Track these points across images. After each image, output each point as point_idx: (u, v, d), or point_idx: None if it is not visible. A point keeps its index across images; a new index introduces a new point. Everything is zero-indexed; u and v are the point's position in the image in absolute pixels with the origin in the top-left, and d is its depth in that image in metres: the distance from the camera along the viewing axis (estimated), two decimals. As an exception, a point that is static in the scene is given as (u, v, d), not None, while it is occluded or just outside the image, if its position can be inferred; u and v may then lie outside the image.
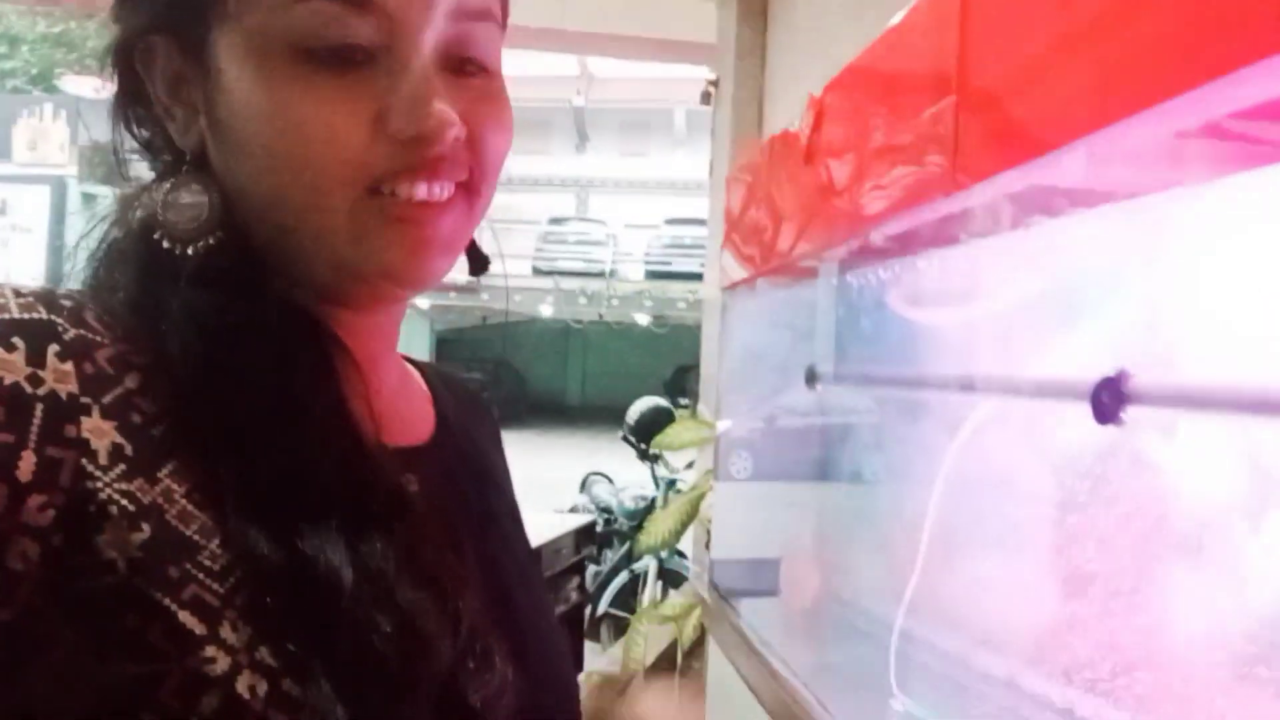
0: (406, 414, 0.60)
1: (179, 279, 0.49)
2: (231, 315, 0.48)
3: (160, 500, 0.42)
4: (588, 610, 4.53)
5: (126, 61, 0.52)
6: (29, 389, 0.41)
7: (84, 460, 0.41)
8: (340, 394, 0.50)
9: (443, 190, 0.50)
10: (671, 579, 4.72)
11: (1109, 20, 0.57)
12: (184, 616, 0.41)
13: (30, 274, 13.77)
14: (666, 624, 2.94)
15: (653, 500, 4.96)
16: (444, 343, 20.23)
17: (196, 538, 0.42)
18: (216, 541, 0.43)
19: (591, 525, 4.55)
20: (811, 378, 1.39)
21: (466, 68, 0.51)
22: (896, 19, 0.90)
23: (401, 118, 0.48)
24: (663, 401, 5.25)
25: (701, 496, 2.81)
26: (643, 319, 17.63)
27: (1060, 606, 0.91)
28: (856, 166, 0.96)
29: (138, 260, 0.51)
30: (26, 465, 0.40)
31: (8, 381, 0.41)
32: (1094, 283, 0.86)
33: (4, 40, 15.99)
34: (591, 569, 4.65)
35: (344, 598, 0.43)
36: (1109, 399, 0.75)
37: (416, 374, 0.67)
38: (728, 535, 1.91)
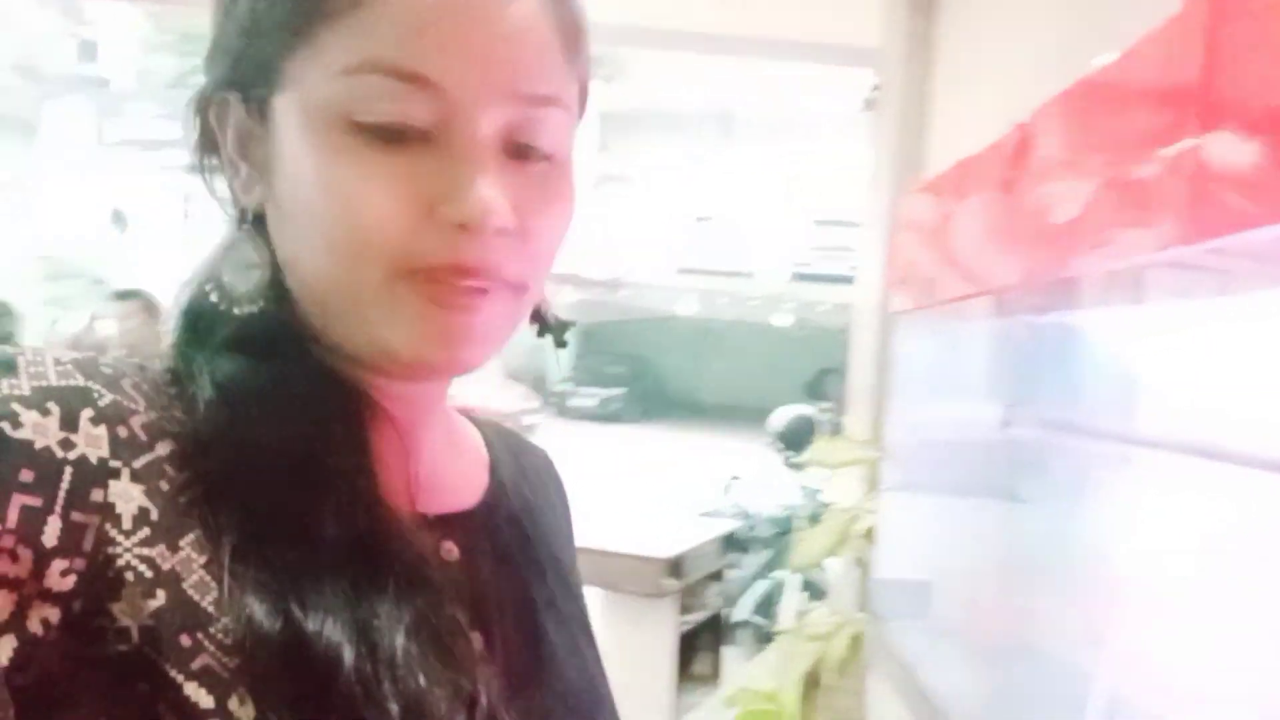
0: (453, 478, 0.59)
1: (220, 338, 0.49)
2: (261, 379, 0.48)
3: (179, 568, 0.42)
4: (727, 617, 4.51)
5: (204, 113, 0.52)
6: (60, 453, 0.41)
7: (108, 525, 0.41)
8: (362, 462, 0.49)
9: (479, 288, 0.48)
10: (813, 590, 4.65)
11: None
12: (191, 689, 0.40)
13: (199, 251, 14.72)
14: (813, 642, 2.89)
15: (796, 510, 4.90)
16: (585, 337, 20.56)
17: (211, 609, 0.42)
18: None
19: (733, 532, 4.53)
20: (1001, 415, 1.33)
21: (529, 154, 0.49)
22: (1107, 51, 0.85)
23: (448, 202, 0.46)
24: (807, 410, 5.18)
25: (855, 514, 2.74)
26: (782, 320, 17.44)
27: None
28: (1075, 199, 0.91)
29: (189, 315, 0.51)
30: (52, 531, 0.40)
31: (39, 445, 0.41)
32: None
33: (190, 39, 17.16)
34: (731, 574, 4.63)
35: (343, 674, 0.42)
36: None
37: (475, 435, 0.65)
38: (891, 557, 1.86)
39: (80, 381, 0.44)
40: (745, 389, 17.95)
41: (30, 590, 0.39)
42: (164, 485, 0.43)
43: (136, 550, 0.42)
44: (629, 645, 3.63)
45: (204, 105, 0.52)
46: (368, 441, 0.50)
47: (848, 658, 2.77)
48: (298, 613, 0.42)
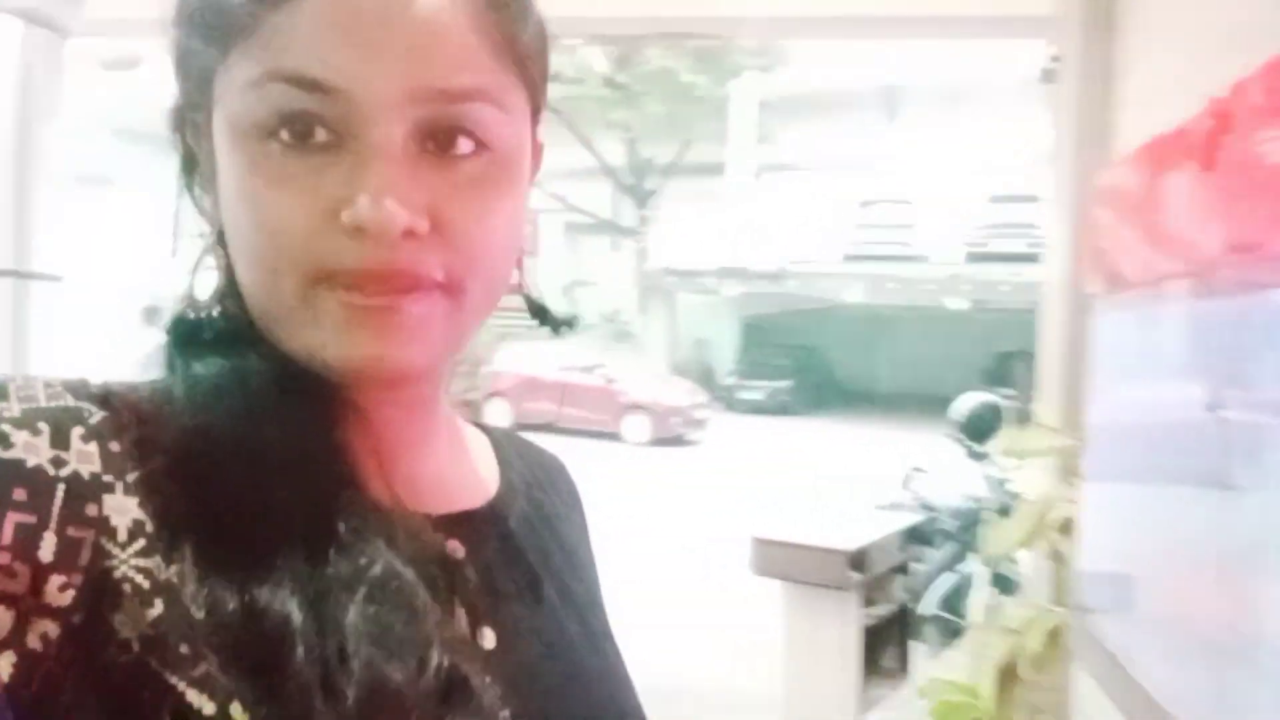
0: (458, 480, 0.59)
1: (192, 344, 0.51)
2: (225, 379, 0.49)
3: (175, 578, 0.43)
4: (913, 610, 4.42)
5: (181, 131, 0.53)
6: (52, 470, 0.42)
7: (103, 539, 0.42)
8: (320, 446, 0.48)
9: (398, 288, 0.47)
10: (1002, 584, 4.48)
11: None
12: (193, 695, 0.41)
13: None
14: (1008, 636, 2.80)
15: (982, 501, 4.73)
16: (750, 330, 20.50)
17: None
18: None
19: (917, 524, 4.42)
20: (1212, 398, 1.26)
21: (454, 149, 0.48)
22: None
23: (347, 205, 0.45)
24: (992, 397, 4.97)
25: (1049, 505, 2.64)
26: (957, 304, 16.79)
27: None
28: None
29: (171, 325, 0.53)
30: (48, 546, 0.40)
31: (31, 464, 0.41)
32: None
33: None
34: (916, 567, 4.53)
35: (291, 641, 0.42)
36: None
37: (482, 440, 0.65)
38: (1096, 549, 1.79)
39: (70, 401, 0.45)
40: (919, 377, 17.42)
41: (29, 606, 0.40)
42: (157, 497, 0.44)
43: (133, 562, 0.42)
44: (813, 638, 3.62)
45: (179, 125, 0.53)
46: (330, 431, 0.49)
47: (1045, 653, 2.67)
48: (253, 587, 0.43)
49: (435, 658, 0.45)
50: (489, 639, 0.52)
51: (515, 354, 15.09)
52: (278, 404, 0.48)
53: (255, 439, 0.47)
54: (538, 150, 0.57)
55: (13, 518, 0.40)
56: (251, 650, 0.42)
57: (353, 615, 0.44)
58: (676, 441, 13.86)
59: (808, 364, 19.31)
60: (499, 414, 14.64)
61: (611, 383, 14.36)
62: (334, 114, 0.46)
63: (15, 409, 0.43)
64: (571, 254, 20.27)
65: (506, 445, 0.66)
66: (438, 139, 0.48)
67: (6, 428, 0.42)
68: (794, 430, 15.85)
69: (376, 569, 0.45)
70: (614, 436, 13.93)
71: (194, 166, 0.53)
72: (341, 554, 0.45)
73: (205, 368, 0.49)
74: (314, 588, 0.44)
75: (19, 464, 0.41)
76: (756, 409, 17.73)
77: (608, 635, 0.64)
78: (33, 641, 0.40)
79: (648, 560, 7.04)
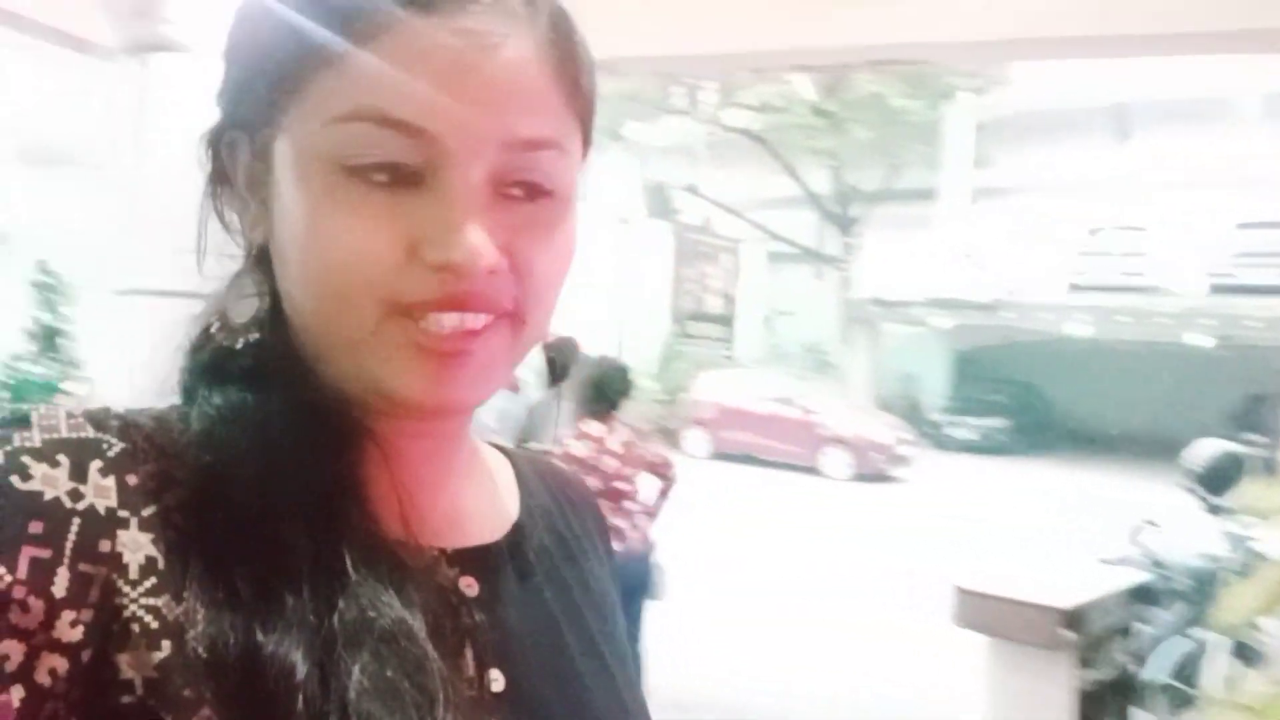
0: (475, 512, 0.58)
1: (219, 370, 0.50)
2: (250, 411, 0.49)
3: (183, 618, 0.42)
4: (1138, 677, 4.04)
5: (216, 149, 0.53)
6: (69, 504, 0.42)
7: (115, 576, 0.42)
8: (340, 490, 0.48)
9: (476, 319, 0.48)
10: (1245, 654, 4.02)
11: None
12: None
13: (600, 298, 16.09)
14: (1246, 716, 2.50)
15: (1221, 561, 4.27)
16: (963, 363, 19.60)
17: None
18: None
19: (1144, 583, 4.06)
20: None
21: (527, 192, 0.49)
22: None
23: (432, 245, 0.46)
24: (1234, 445, 4.50)
25: (1300, 571, 2.34)
26: (1198, 339, 15.36)
27: None
28: None
29: (194, 349, 0.52)
30: (61, 582, 0.41)
31: (48, 496, 0.42)
32: None
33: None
34: (1144, 630, 4.14)
35: (293, 692, 0.42)
36: None
37: (503, 467, 0.64)
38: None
39: (90, 433, 0.45)
40: (1152, 419, 16.02)
41: (40, 641, 0.40)
42: (171, 533, 0.44)
43: (143, 601, 0.42)
44: (1020, 699, 3.38)
45: (215, 141, 0.53)
46: (351, 471, 0.49)
47: (1295, 741, 2.36)
48: (258, 633, 0.42)
49: (439, 715, 0.45)
50: (498, 682, 0.52)
51: (715, 383, 15.19)
52: (298, 441, 0.48)
53: (272, 477, 0.47)
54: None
55: (28, 551, 0.40)
56: (253, 698, 0.42)
57: (357, 671, 0.43)
58: (879, 478, 13.43)
59: (1026, 401, 18.24)
60: (697, 443, 14.77)
61: (811, 415, 14.13)
62: (420, 156, 0.46)
63: (37, 439, 0.43)
64: (773, 283, 20.19)
65: (529, 470, 0.66)
66: (512, 183, 0.49)
67: (27, 459, 0.42)
68: (1009, 472, 15.02)
69: (385, 621, 0.45)
70: (813, 470, 13.68)
71: (226, 182, 0.53)
72: (351, 603, 0.45)
73: (228, 399, 0.49)
74: (321, 638, 0.43)
75: (37, 496, 0.42)
76: (968, 447, 16.97)
77: (625, 670, 0.62)
78: (41, 676, 0.40)
79: (841, 600, 6.84)
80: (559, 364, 4.55)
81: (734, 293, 18.29)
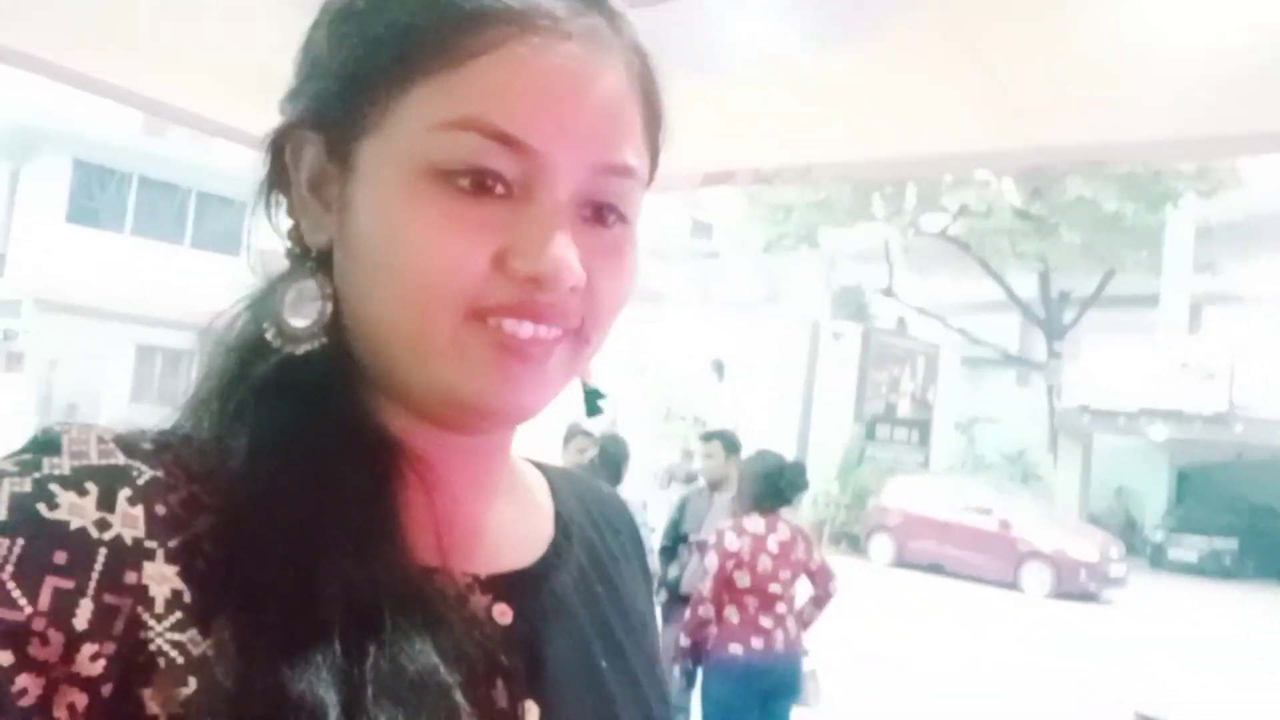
0: (511, 534, 0.58)
1: (269, 377, 0.50)
2: (298, 429, 0.49)
3: (210, 652, 0.42)
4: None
5: (278, 149, 0.53)
6: (95, 534, 0.41)
7: (140, 608, 0.41)
8: (381, 524, 0.48)
9: (549, 331, 0.49)
10: None
11: None
12: None
13: (785, 399, 16.05)
14: None
15: None
16: (1186, 479, 17.98)
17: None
18: None
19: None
20: None
21: (602, 217, 0.51)
22: None
23: (522, 257, 0.47)
24: None
25: None
26: None
27: None
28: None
29: (239, 350, 0.51)
30: (84, 614, 0.40)
31: (74, 526, 0.41)
32: None
33: (780, 209, 19.43)
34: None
35: None
36: None
37: (539, 485, 0.65)
38: None
39: (121, 460, 0.44)
40: None
41: (59, 674, 0.39)
42: (200, 563, 0.43)
43: (169, 635, 0.41)
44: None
45: (281, 141, 0.53)
46: (392, 502, 0.49)
47: None
48: (287, 674, 0.42)
49: None
50: (532, 713, 0.51)
51: (904, 489, 14.72)
52: (336, 463, 0.48)
53: (312, 508, 0.46)
54: None
55: (50, 582, 0.40)
56: None
57: (388, 706, 0.43)
58: (1086, 598, 12.48)
59: (1258, 523, 16.41)
60: (881, 550, 14.31)
61: (1009, 528, 13.37)
62: (519, 171, 0.48)
63: (66, 466, 0.43)
64: (972, 389, 19.44)
65: (564, 487, 0.66)
66: (593, 207, 0.50)
67: (54, 487, 0.42)
68: (1236, 599, 13.52)
69: (417, 668, 0.45)
70: (1011, 586, 12.91)
71: (283, 185, 0.53)
72: (383, 651, 0.44)
73: (284, 414, 0.49)
74: (351, 683, 0.43)
75: (62, 526, 0.41)
76: (1190, 570, 15.51)
77: (657, 690, 0.62)
78: (60, 711, 0.39)
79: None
80: (612, 456, 4.42)
81: (929, 398, 17.78)
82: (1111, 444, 17.33)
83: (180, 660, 0.41)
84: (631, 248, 0.53)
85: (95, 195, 14.52)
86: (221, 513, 0.45)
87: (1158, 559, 15.90)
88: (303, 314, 0.51)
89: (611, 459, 4.36)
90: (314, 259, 0.52)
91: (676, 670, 4.04)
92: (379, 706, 0.43)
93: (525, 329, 0.48)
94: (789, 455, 4.34)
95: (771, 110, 2.61)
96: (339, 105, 0.50)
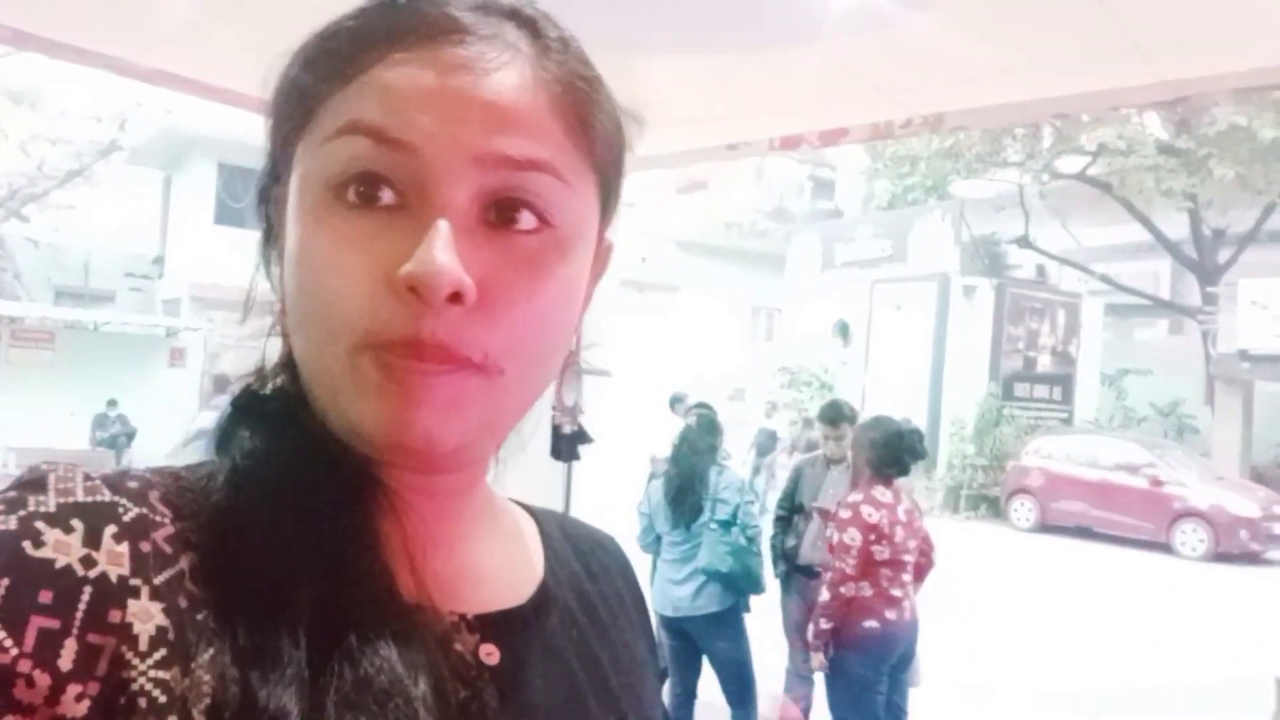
0: (497, 574, 0.57)
1: (249, 418, 0.51)
2: (272, 459, 0.49)
3: (189, 692, 0.42)
4: None
5: (266, 205, 0.54)
6: (80, 571, 0.41)
7: (124, 647, 0.41)
8: (345, 542, 0.47)
9: (436, 359, 0.46)
10: None
11: None
12: None
13: (915, 359, 15.61)
14: None
15: None
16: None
17: None
18: None
19: None
20: None
21: (512, 218, 0.48)
22: None
23: (404, 263, 0.45)
24: None
25: None
26: None
27: None
28: None
29: (235, 400, 0.53)
30: (68, 654, 0.40)
31: (59, 564, 0.41)
32: None
33: (906, 161, 18.79)
34: None
35: None
36: None
37: (527, 526, 0.64)
38: None
39: (107, 497, 0.44)
40: None
41: (44, 716, 0.39)
42: (183, 601, 0.43)
43: (151, 674, 0.41)
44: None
45: (264, 199, 0.54)
46: (362, 524, 0.49)
47: None
48: (255, 684, 0.42)
49: None
50: None
51: (1045, 448, 14.12)
52: (309, 490, 0.48)
53: (280, 525, 0.47)
54: (605, 252, 0.57)
55: (36, 622, 0.39)
56: None
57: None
58: (1248, 559, 11.72)
59: None
60: (1022, 514, 13.80)
61: (1161, 485, 12.63)
62: (403, 173, 0.46)
63: (52, 503, 0.43)
64: (1119, 340, 18.43)
65: (556, 530, 0.65)
66: (500, 209, 0.48)
67: (40, 525, 0.42)
68: None
69: (383, 680, 0.45)
70: (1164, 548, 12.24)
71: (273, 240, 0.54)
72: (348, 660, 0.44)
73: (251, 444, 0.50)
74: (315, 692, 0.43)
75: (48, 564, 0.41)
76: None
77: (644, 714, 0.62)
78: None
79: (1188, 696, 6.15)
80: (710, 427, 4.30)
81: (1071, 351, 16.94)
82: (1274, 392, 16.13)
83: (163, 699, 0.41)
84: (560, 261, 0.50)
85: (239, 197, 15.33)
86: (205, 549, 0.45)
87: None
88: (270, 357, 0.53)
89: (708, 429, 4.29)
90: (283, 304, 0.53)
91: (801, 650, 4.01)
92: (339, 715, 0.43)
93: (413, 368, 0.46)
94: (921, 419, 4.23)
95: (884, 64, 2.57)
96: (277, 152, 0.52)
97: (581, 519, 0.71)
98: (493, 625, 0.53)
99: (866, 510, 3.60)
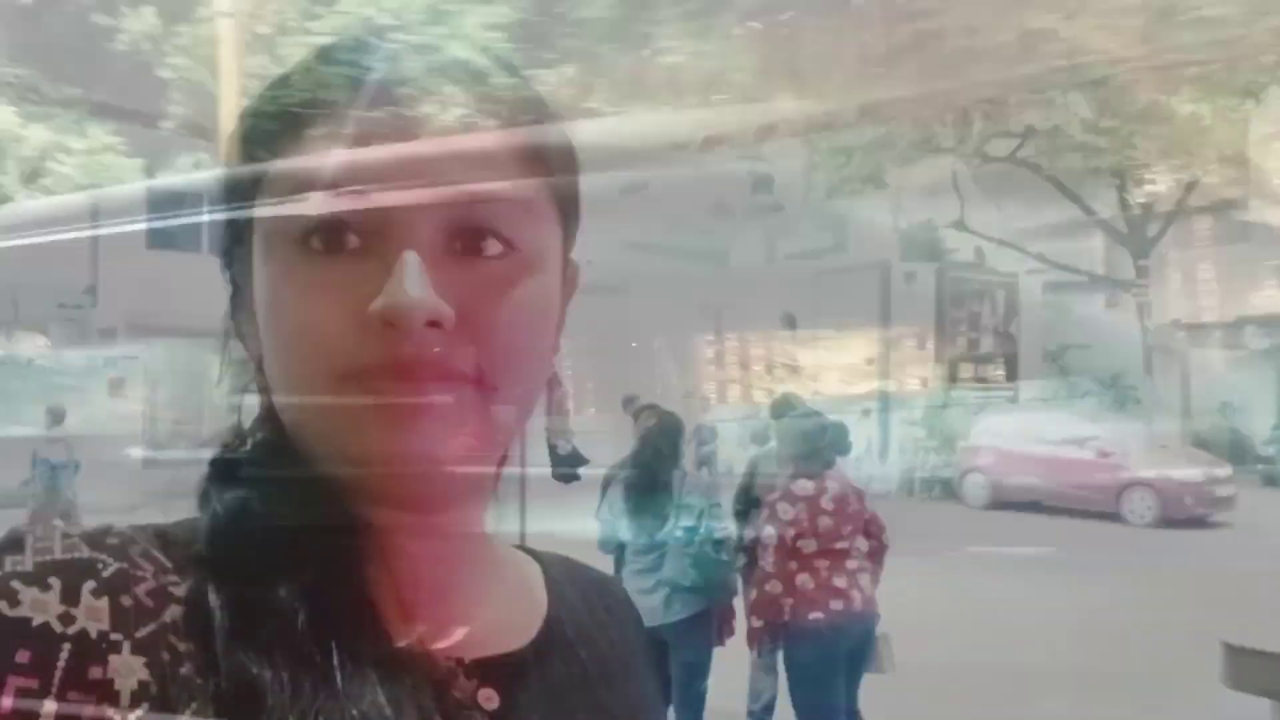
0: (497, 619, 0.56)
1: (228, 476, 0.51)
2: (248, 509, 0.49)
3: None
4: None
5: (228, 271, 0.55)
6: (59, 628, 0.41)
7: (105, 704, 0.41)
8: (330, 586, 0.47)
9: (428, 379, 0.47)
10: None
11: None
12: None
13: (861, 346, 15.78)
14: None
15: None
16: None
17: None
18: None
19: None
20: None
21: (478, 247, 0.49)
22: None
23: (375, 300, 0.46)
24: None
25: None
26: None
27: None
28: None
29: (213, 463, 0.53)
30: (47, 714, 0.39)
31: (37, 623, 0.41)
32: None
33: (840, 153, 18.94)
34: None
35: None
36: None
37: (530, 570, 0.63)
38: None
39: (85, 554, 0.44)
40: None
41: None
42: (165, 655, 0.43)
43: None
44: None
45: (229, 263, 0.54)
46: (349, 569, 0.48)
47: None
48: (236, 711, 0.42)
49: None
50: None
51: (993, 427, 14.39)
52: (296, 543, 0.48)
53: (264, 574, 0.46)
54: (573, 273, 0.58)
55: (14, 682, 0.39)
56: None
57: None
58: (1193, 523, 12.05)
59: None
60: (975, 492, 14.03)
61: (1107, 456, 12.98)
62: (364, 217, 0.47)
63: (28, 563, 0.42)
64: (1058, 317, 18.82)
65: (560, 574, 0.64)
66: (465, 238, 0.49)
67: (16, 584, 0.41)
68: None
69: (362, 707, 0.45)
70: (1113, 517, 12.53)
71: (241, 303, 0.54)
72: (329, 693, 0.44)
73: (231, 501, 0.49)
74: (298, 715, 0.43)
75: (24, 623, 0.41)
76: (1308, 483, 14.75)
77: None
78: None
79: (1138, 660, 6.29)
80: (671, 429, 4.21)
81: (1012, 330, 17.29)
82: (1211, 358, 16.63)
83: None
84: (529, 278, 0.51)
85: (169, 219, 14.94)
86: (187, 603, 0.45)
87: (1273, 476, 15.21)
88: (251, 416, 0.54)
89: (670, 431, 4.25)
90: (258, 358, 0.53)
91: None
92: None
93: (398, 389, 0.47)
94: (870, 405, 4.27)
95: (830, 52, 2.62)
96: (229, 215, 0.52)
97: (584, 563, 0.70)
98: (491, 669, 0.53)
99: (782, 507, 3.66)
